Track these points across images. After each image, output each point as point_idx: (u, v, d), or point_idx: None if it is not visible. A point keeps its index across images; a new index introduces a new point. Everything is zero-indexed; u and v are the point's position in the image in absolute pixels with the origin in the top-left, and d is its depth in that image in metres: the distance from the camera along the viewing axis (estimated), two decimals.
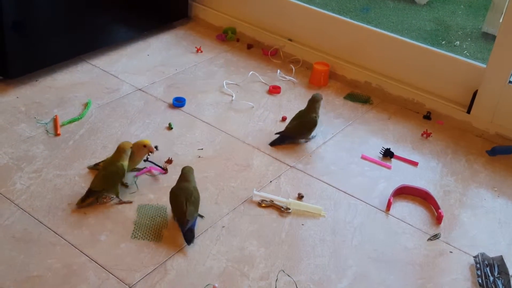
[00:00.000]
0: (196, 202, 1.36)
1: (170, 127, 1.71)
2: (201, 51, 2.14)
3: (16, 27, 1.73)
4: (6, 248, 1.27)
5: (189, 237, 1.32)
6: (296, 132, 1.69)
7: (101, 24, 2.01)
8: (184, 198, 1.34)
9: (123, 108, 1.79)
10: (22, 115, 1.70)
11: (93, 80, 1.90)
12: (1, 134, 1.61)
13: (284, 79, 2.03)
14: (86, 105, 1.76)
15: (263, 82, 2.00)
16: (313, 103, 1.69)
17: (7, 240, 1.29)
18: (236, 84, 1.97)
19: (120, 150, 1.41)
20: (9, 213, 1.36)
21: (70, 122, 1.68)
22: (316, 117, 1.68)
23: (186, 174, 1.39)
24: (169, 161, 1.57)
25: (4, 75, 1.82)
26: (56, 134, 1.62)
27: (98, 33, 2.02)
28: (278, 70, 2.06)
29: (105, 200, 1.40)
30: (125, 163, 1.41)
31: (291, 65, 2.09)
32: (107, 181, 1.38)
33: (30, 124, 1.67)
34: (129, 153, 1.42)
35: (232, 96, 1.90)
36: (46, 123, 1.67)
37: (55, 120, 1.67)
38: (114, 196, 1.41)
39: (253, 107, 1.85)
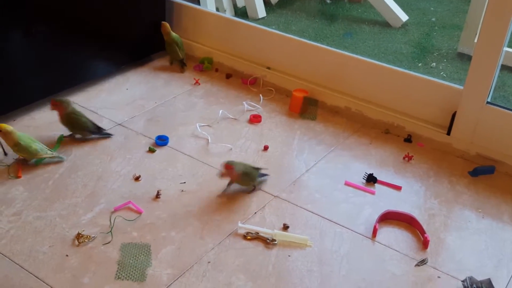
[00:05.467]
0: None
1: (152, 150, 1.74)
2: (199, 83, 2.15)
3: None
4: None
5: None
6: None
7: (79, 60, 2.00)
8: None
9: (103, 144, 1.77)
10: (0, 156, 1.67)
11: None
12: None
13: (253, 108, 2.01)
14: (58, 139, 1.74)
15: (245, 111, 1.99)
16: None
17: None
18: (217, 115, 1.96)
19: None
20: None
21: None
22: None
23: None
24: (158, 195, 1.56)
25: None
26: (17, 176, 1.59)
27: (75, 69, 2.00)
28: (244, 102, 2.03)
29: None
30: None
31: (260, 95, 2.10)
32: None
33: (11, 167, 1.63)
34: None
35: (212, 127, 1.89)
36: (9, 165, 1.63)
37: (17, 162, 1.63)
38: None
39: (231, 149, 1.83)
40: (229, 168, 1.55)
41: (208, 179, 1.65)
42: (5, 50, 1.75)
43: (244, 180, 1.59)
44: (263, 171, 1.65)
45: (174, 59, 2.25)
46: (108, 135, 1.79)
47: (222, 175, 1.57)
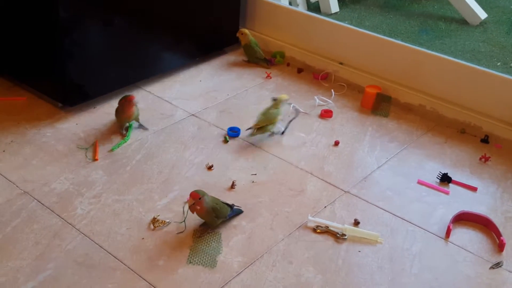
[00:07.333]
0: None
1: (226, 140, 1.78)
2: (270, 77, 2.17)
3: (75, 57, 1.81)
4: (69, 272, 1.30)
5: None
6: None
7: (155, 52, 2.07)
8: None
9: (177, 134, 1.82)
10: (81, 142, 1.76)
11: (148, 106, 1.95)
12: (62, 160, 1.67)
13: (324, 103, 2.01)
14: (128, 128, 1.81)
15: (316, 106, 1.99)
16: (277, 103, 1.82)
17: (69, 264, 1.32)
18: (288, 109, 1.97)
19: (277, 102, 1.82)
20: (71, 238, 1.40)
21: (119, 146, 1.73)
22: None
23: None
24: (233, 186, 1.60)
25: (64, 102, 1.90)
26: (94, 159, 1.67)
27: (152, 60, 2.08)
28: (315, 97, 2.03)
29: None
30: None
31: (331, 90, 2.09)
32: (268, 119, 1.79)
33: (89, 150, 1.72)
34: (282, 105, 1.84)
35: (283, 121, 1.90)
36: (87, 148, 1.71)
37: (95, 145, 1.71)
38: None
39: (304, 142, 1.84)
40: (195, 197, 1.37)
41: (278, 172, 1.67)
42: (87, 41, 1.83)
43: (210, 216, 1.41)
44: (236, 208, 1.49)
45: (255, 59, 2.25)
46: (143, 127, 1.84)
47: (190, 206, 1.39)
